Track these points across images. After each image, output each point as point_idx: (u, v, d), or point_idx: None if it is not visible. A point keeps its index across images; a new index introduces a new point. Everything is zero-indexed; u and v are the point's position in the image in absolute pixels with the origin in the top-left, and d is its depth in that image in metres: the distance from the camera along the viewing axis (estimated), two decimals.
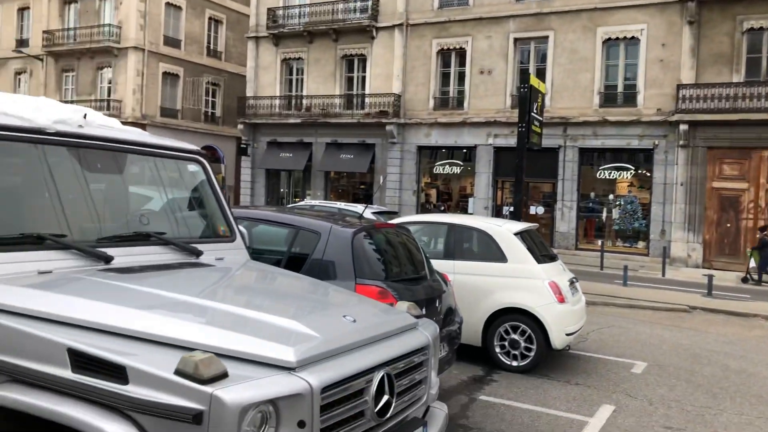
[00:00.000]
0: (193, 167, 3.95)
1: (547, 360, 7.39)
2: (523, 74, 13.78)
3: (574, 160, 22.23)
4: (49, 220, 3.03)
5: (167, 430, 2.10)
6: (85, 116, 3.36)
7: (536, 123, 13.26)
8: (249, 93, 28.52)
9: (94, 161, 3.33)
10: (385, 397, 2.70)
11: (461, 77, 24.27)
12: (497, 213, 23.23)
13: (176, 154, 3.83)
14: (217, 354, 2.22)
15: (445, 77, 24.71)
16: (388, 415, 2.73)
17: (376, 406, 2.64)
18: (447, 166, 24.94)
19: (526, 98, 12.84)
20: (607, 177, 22.06)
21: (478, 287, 7.21)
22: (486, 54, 23.59)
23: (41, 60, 33.51)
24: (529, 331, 7.02)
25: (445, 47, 24.41)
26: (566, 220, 22.41)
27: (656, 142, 20.91)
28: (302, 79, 27.56)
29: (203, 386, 2.07)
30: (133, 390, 2.15)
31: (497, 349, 7.15)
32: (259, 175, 28.56)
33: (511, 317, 7.11)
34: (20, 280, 2.65)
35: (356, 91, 26.50)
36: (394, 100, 24.88)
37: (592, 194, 22.57)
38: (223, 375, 2.15)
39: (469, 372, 6.94)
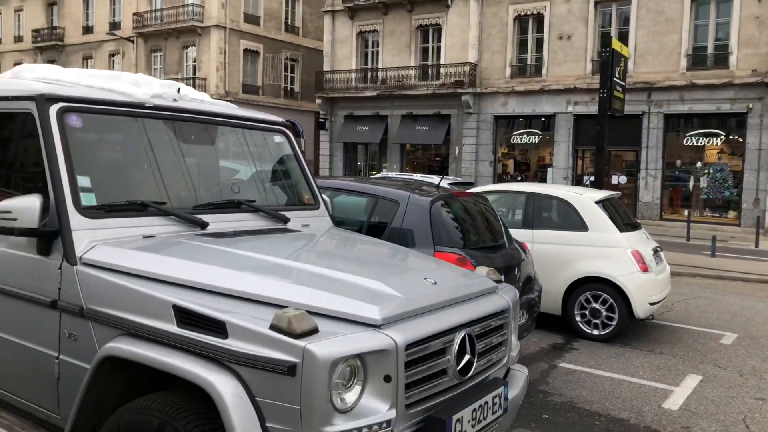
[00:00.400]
0: (278, 138, 4.12)
1: (630, 329, 7.27)
2: (605, 38, 13.25)
3: (659, 126, 21.34)
4: (150, 188, 3.25)
5: (264, 381, 2.26)
6: (178, 90, 3.56)
7: (618, 88, 12.82)
8: (326, 67, 28.83)
9: (188, 133, 3.53)
10: (467, 357, 2.77)
11: (539, 44, 23.65)
12: (578, 183, 22.67)
13: (263, 125, 4.00)
14: (307, 312, 2.36)
15: (522, 44, 24.15)
16: (470, 374, 2.81)
17: (458, 365, 2.72)
18: (525, 135, 24.49)
19: (608, 63, 12.43)
20: (695, 144, 21.08)
21: (557, 256, 7.14)
22: (565, 19, 22.85)
23: (132, 41, 35.04)
24: (611, 300, 6.92)
25: (522, 13, 23.80)
26: (650, 190, 21.62)
27: (750, 106, 19.75)
28: (377, 52, 27.59)
29: (296, 340, 2.21)
30: (232, 343, 2.32)
31: (578, 318, 7.09)
32: (336, 148, 28.98)
33: (592, 286, 7.02)
34: (128, 244, 2.88)
35: (431, 61, 26.30)
36: (470, 70, 24.55)
37: (678, 162, 21.65)
38: (314, 330, 2.28)
39: (550, 340, 6.93)
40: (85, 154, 3.06)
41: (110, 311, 2.64)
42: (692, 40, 20.97)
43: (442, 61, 25.71)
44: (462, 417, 2.65)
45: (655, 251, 7.46)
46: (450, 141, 25.79)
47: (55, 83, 3.22)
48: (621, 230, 7.16)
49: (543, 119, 23.86)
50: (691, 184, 21.36)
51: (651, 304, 6.98)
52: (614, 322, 6.93)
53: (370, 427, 2.32)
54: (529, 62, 24.03)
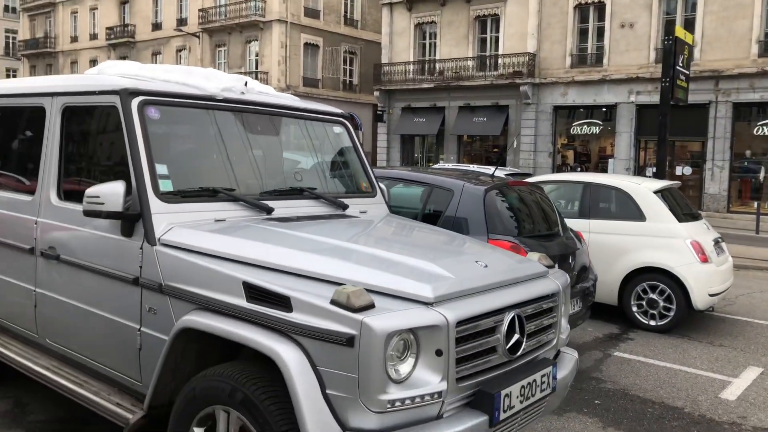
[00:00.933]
0: (337, 129, 4.32)
1: (689, 321, 7.20)
2: (668, 25, 12.92)
3: (727, 116, 20.62)
4: (220, 176, 3.51)
5: (325, 351, 2.46)
6: (246, 84, 3.80)
7: (682, 77, 12.52)
8: (384, 60, 29.04)
9: (255, 124, 3.77)
10: (516, 336, 2.91)
11: (600, 32, 23.20)
12: (639, 174, 22.17)
13: (323, 116, 4.21)
14: (365, 289, 2.54)
15: (582, 33, 23.72)
16: (519, 353, 2.94)
17: (507, 343, 2.86)
18: (585, 126, 24.09)
19: (671, 51, 12.14)
20: (766, 133, 20.27)
21: (614, 246, 7.13)
22: (627, 6, 22.31)
23: (197, 37, 36.16)
24: (668, 290, 6.87)
25: (583, 1, 23.37)
26: (717, 181, 20.96)
27: None
28: (435, 43, 27.60)
29: (354, 314, 2.40)
30: (296, 317, 2.53)
31: (634, 308, 7.07)
32: (394, 140, 29.18)
33: (649, 276, 6.98)
34: (202, 226, 3.14)
35: (489, 52, 26.13)
36: (529, 60, 24.29)
37: (748, 152, 20.89)
38: (371, 306, 2.46)
39: (605, 330, 6.93)
40: (163, 143, 3.33)
41: (186, 287, 2.89)
42: (764, 26, 20.14)
43: (500, 52, 25.52)
44: (510, 392, 2.79)
45: (716, 242, 7.34)
46: (508, 132, 25.61)
47: (135, 78, 3.51)
48: (680, 220, 7.08)
49: (604, 109, 23.41)
50: (761, 175, 20.57)
51: (711, 295, 6.89)
52: (672, 313, 6.87)
53: (422, 397, 2.49)
54: (589, 51, 23.59)
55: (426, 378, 2.52)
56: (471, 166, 15.86)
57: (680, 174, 21.33)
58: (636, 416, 4.60)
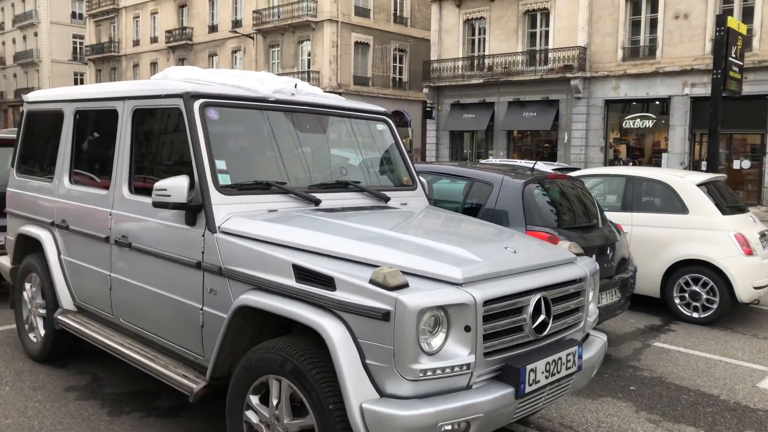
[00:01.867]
0: (380, 126, 4.62)
1: (733, 313, 7.21)
2: (720, 16, 12.71)
3: None
4: (273, 171, 3.85)
5: (364, 325, 2.76)
6: (295, 86, 4.15)
7: (735, 69, 12.32)
8: (433, 57, 29.21)
9: (304, 123, 4.11)
10: (542, 317, 3.14)
11: (653, 24, 22.80)
12: (695, 168, 21.71)
13: (367, 115, 4.52)
14: (401, 271, 2.83)
15: (635, 25, 23.36)
16: (546, 333, 3.18)
17: (533, 323, 3.10)
18: (638, 119, 23.74)
19: (722, 42, 11.98)
20: None
21: (657, 239, 7.20)
22: None
23: (252, 38, 37.11)
24: (712, 283, 6.91)
25: None
26: None
27: None
28: (484, 39, 27.61)
29: (390, 292, 2.69)
30: (339, 295, 2.84)
31: (677, 300, 7.13)
32: (443, 137, 29.34)
33: (692, 269, 7.03)
34: (257, 216, 3.48)
35: (539, 46, 25.99)
36: (579, 53, 24.07)
37: None
38: (405, 285, 2.75)
39: (647, 321, 7.03)
40: (221, 141, 3.70)
41: (243, 270, 3.24)
42: None
43: (550, 46, 25.36)
44: (536, 368, 3.03)
45: (763, 235, 7.31)
46: (558, 127, 25.43)
47: (196, 82, 3.89)
48: (724, 213, 7.10)
49: (657, 102, 23.01)
50: None
51: (755, 288, 6.89)
52: (715, 305, 6.91)
53: (452, 368, 2.77)
54: (642, 44, 23.21)
55: (456, 351, 2.79)
56: (518, 161, 15.91)
57: (738, 168, 20.80)
58: (670, 402, 4.75)
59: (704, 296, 6.97)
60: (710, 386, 5.12)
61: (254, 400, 3.13)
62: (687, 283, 7.07)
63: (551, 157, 24.84)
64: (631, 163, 23.71)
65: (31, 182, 5.12)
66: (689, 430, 4.25)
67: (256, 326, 3.32)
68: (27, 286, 5.08)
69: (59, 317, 4.60)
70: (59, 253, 4.69)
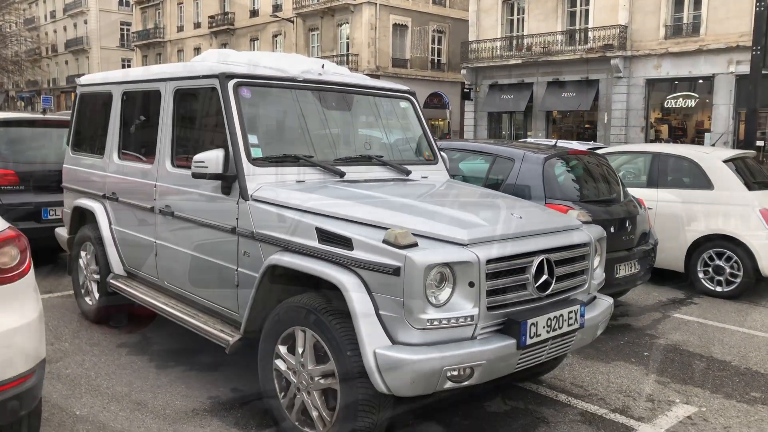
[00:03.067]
0: (403, 104, 4.91)
1: (758, 288, 7.29)
2: None
3: None
4: (301, 145, 4.19)
5: (378, 280, 3.07)
6: (323, 66, 4.47)
7: None
8: (471, 37, 29.14)
9: (330, 101, 4.43)
10: (544, 277, 3.41)
11: (697, 1, 22.27)
12: (740, 148, 21.26)
13: (390, 93, 4.81)
14: (411, 233, 3.13)
15: (678, 2, 22.87)
16: (548, 293, 3.44)
17: (536, 282, 3.37)
18: (680, 99, 23.34)
19: (764, 17, 11.78)
20: None
21: (682, 214, 7.31)
22: None
23: (292, 22, 37.54)
24: (735, 257, 7.00)
25: None
26: None
27: None
28: (523, 19, 27.40)
29: (400, 250, 3.00)
30: (356, 254, 3.16)
31: (700, 275, 7.25)
32: (481, 118, 29.33)
33: (716, 243, 7.13)
34: (285, 186, 3.83)
35: (579, 25, 25.69)
36: (620, 32, 23.73)
37: None
38: (414, 244, 3.05)
39: (670, 295, 7.18)
40: (253, 117, 4.04)
41: (272, 233, 3.60)
42: None
43: (590, 25, 25.04)
44: (537, 322, 3.30)
45: None
46: (598, 107, 25.18)
47: (231, 64, 4.25)
48: (750, 189, 7.16)
49: (701, 81, 22.57)
50: None
51: None
52: (738, 279, 7.01)
53: (457, 319, 3.07)
54: (685, 21, 22.75)
55: (461, 304, 3.09)
56: (553, 140, 15.93)
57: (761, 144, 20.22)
58: (681, 367, 4.95)
59: (728, 270, 7.07)
60: (723, 353, 5.29)
61: (282, 349, 3.50)
62: (711, 258, 7.18)
63: (591, 137, 24.62)
64: (672, 143, 23.35)
65: (84, 159, 5.59)
66: (695, 391, 4.46)
67: (284, 284, 3.67)
68: (82, 254, 5.57)
69: (111, 281, 5.06)
70: (110, 224, 5.15)
